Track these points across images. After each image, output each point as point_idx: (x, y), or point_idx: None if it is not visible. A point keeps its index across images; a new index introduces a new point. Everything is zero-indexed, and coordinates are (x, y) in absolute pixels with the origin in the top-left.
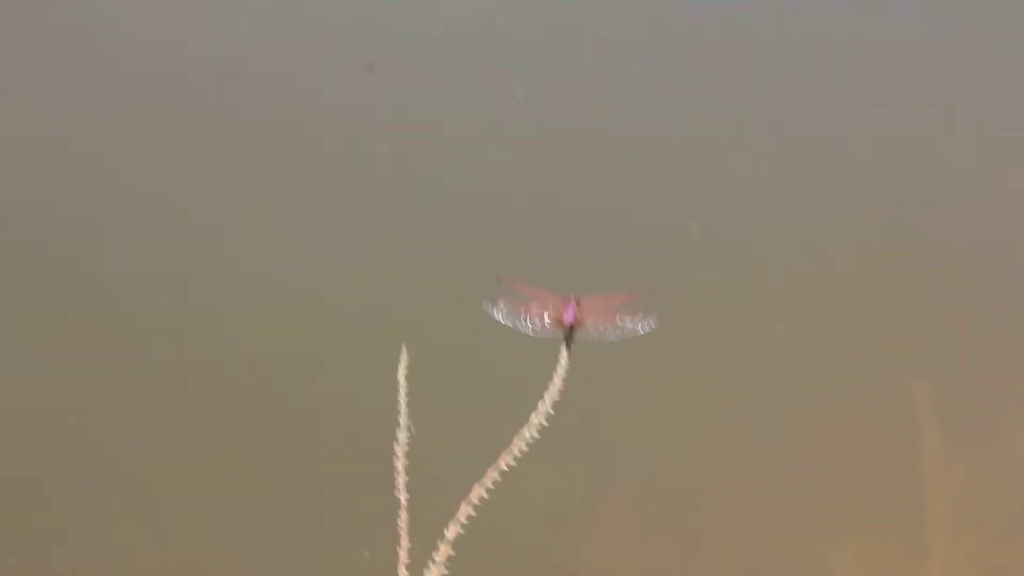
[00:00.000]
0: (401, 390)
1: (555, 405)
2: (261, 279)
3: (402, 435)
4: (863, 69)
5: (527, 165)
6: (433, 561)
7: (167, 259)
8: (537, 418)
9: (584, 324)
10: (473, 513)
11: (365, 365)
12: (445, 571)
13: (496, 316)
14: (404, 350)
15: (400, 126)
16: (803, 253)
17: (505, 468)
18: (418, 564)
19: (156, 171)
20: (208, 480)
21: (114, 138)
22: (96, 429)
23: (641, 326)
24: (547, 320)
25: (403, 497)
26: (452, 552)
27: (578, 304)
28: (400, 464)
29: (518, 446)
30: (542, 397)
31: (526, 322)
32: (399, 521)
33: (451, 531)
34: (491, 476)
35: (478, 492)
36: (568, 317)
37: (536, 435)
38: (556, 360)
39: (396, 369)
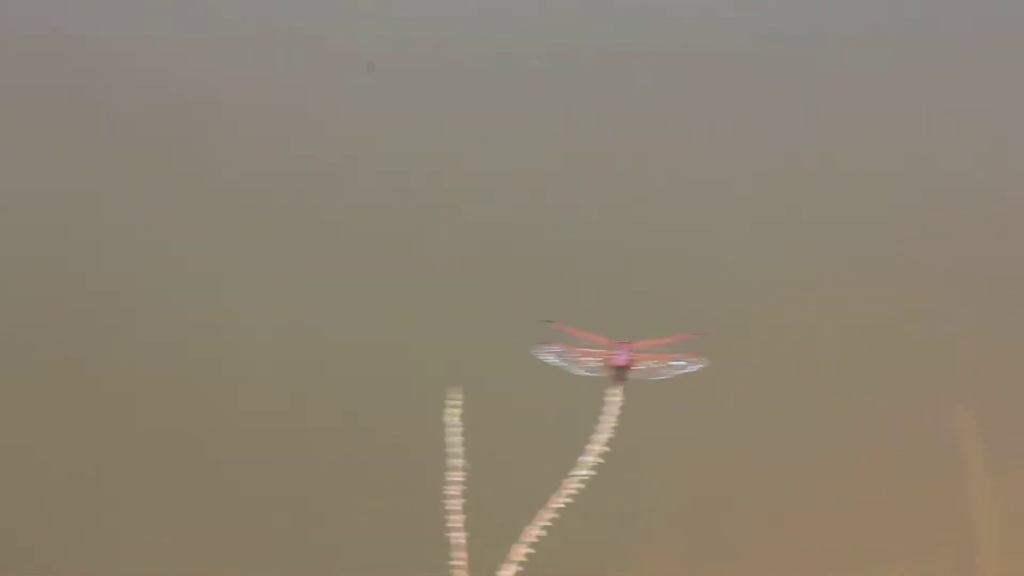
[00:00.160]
0: (453, 431)
1: (607, 444)
2: (305, 325)
3: (456, 476)
4: (905, 97)
5: (567, 201)
6: None
7: (186, 297)
8: (589, 458)
9: (635, 366)
10: (531, 551)
11: (414, 408)
12: None
13: (547, 359)
14: (454, 392)
15: (440, 160)
16: (845, 282)
17: (558, 508)
18: None
19: (166, 212)
20: (224, 534)
21: (111, 177)
22: (103, 487)
23: (691, 366)
24: (598, 362)
25: (460, 537)
26: None
27: (629, 346)
28: (455, 504)
29: (571, 486)
30: (593, 438)
31: (577, 365)
32: (454, 563)
33: (507, 572)
34: (545, 516)
35: (533, 533)
36: (619, 359)
37: (589, 475)
38: (607, 401)
39: (445, 411)
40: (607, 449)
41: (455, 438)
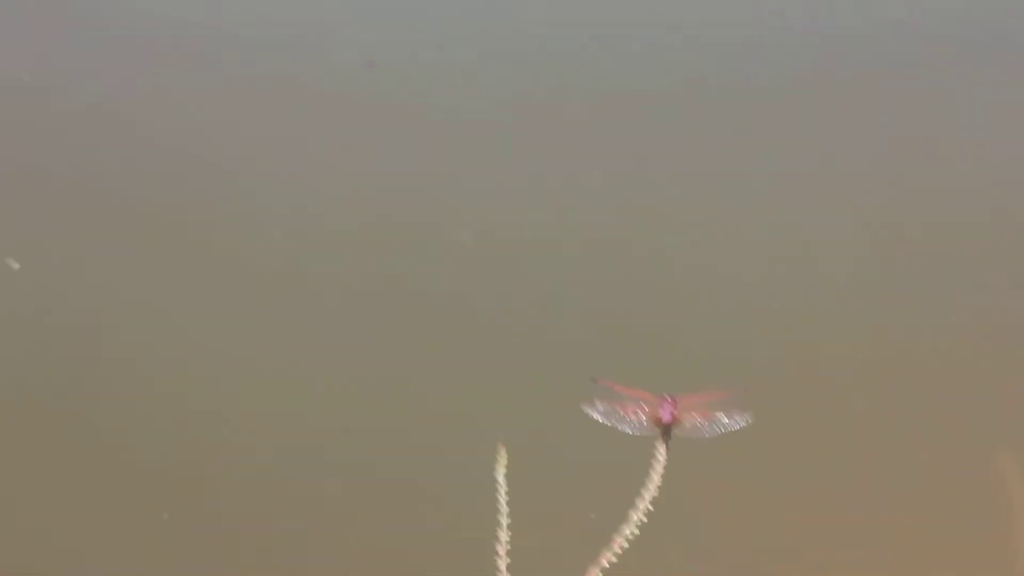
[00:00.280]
0: (500, 489)
1: (653, 501)
2: (342, 391)
3: (503, 535)
4: (936, 131)
5: (610, 258)
6: None
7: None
8: (636, 515)
9: (681, 421)
10: None
11: (461, 467)
12: None
13: (594, 416)
14: (502, 450)
15: (483, 214)
16: (885, 325)
17: (606, 565)
18: None
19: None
20: None
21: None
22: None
23: (737, 422)
24: (644, 419)
25: None
26: None
27: (674, 402)
28: (503, 564)
29: (618, 543)
30: (640, 494)
31: (624, 421)
32: None
33: None
34: (594, 572)
35: None
36: (665, 416)
37: (636, 531)
38: (653, 456)
39: (495, 470)
40: (651, 508)
41: (502, 496)
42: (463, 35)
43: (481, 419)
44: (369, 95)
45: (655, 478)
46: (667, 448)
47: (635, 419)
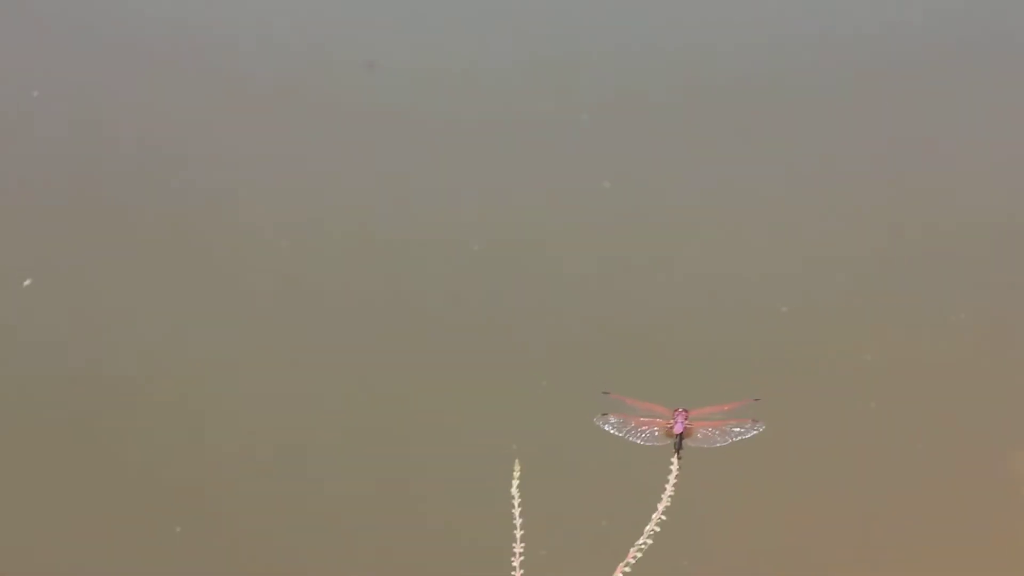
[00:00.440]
0: (514, 502)
1: (666, 512)
2: (366, 400)
3: (519, 547)
4: (952, 134)
5: (624, 270)
6: None
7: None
8: (651, 526)
9: (693, 433)
10: None
11: (472, 480)
12: None
13: (606, 429)
14: (516, 464)
15: (495, 228)
16: (895, 325)
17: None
18: None
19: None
20: None
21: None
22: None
23: (750, 432)
24: (656, 431)
25: None
26: None
27: (686, 413)
28: (518, 575)
29: (632, 555)
30: (655, 506)
31: (635, 433)
32: None
33: None
34: None
35: None
36: (678, 427)
37: (648, 542)
38: (668, 469)
39: (508, 484)
40: (664, 518)
41: (516, 510)
42: (463, 35)
43: (492, 430)
44: (369, 96)
45: (668, 489)
46: (679, 459)
47: (647, 431)
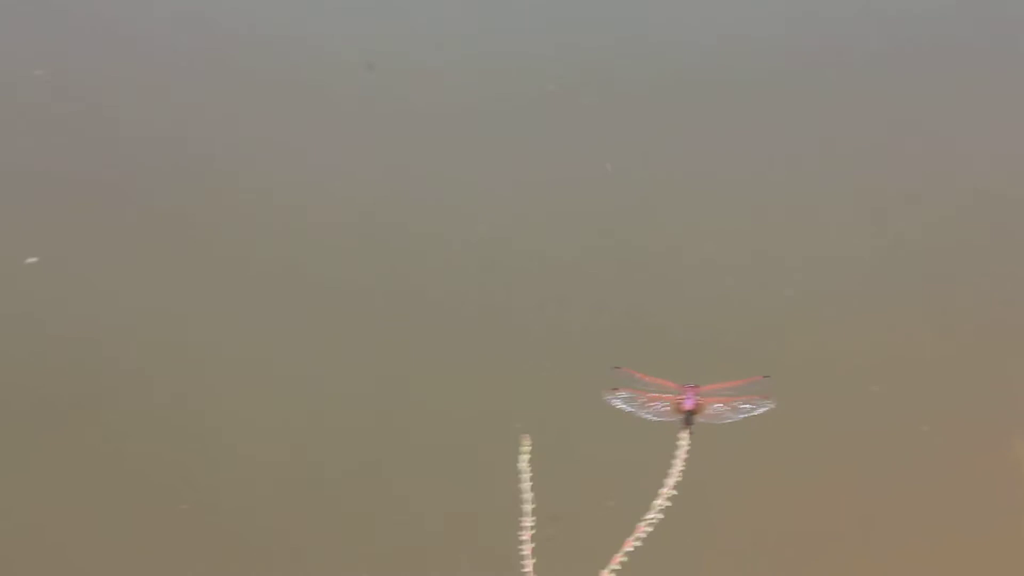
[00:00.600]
0: (524, 476)
1: (676, 486)
2: (376, 375)
3: (527, 521)
4: (939, 126)
5: (631, 244)
6: None
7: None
8: (660, 501)
9: (703, 409)
10: None
11: (484, 455)
12: None
13: (616, 404)
14: (525, 439)
15: (501, 208)
16: (900, 313)
17: (631, 549)
18: None
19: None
20: None
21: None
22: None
23: (758, 409)
24: (666, 406)
25: None
26: None
27: (696, 390)
28: (527, 549)
29: (642, 529)
30: (663, 481)
31: (645, 410)
32: None
33: None
34: (617, 560)
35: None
36: (688, 404)
37: (659, 517)
38: (676, 444)
39: (517, 458)
40: (676, 492)
41: (526, 483)
42: (463, 35)
43: (499, 408)
44: (370, 95)
45: (678, 466)
46: (690, 435)
47: (657, 407)
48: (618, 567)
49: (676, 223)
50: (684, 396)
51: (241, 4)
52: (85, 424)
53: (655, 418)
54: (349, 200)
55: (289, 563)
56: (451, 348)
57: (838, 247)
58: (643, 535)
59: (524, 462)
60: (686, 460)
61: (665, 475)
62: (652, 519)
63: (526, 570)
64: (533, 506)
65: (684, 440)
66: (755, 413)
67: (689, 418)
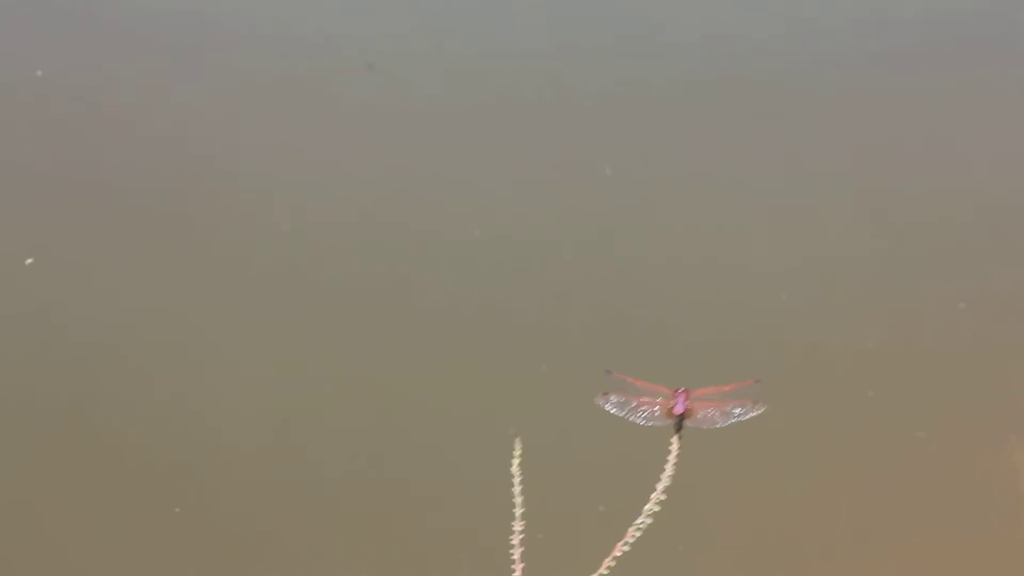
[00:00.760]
0: (515, 480)
1: (667, 491)
2: (364, 379)
3: (518, 525)
4: (936, 128)
5: (622, 249)
6: None
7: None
8: (650, 506)
9: (693, 414)
10: None
11: (475, 460)
12: None
13: (607, 408)
14: (517, 443)
15: (493, 210)
16: (892, 316)
17: (619, 554)
18: None
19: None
20: None
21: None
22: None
23: (750, 413)
24: (657, 410)
25: None
26: None
27: (687, 393)
28: (517, 553)
29: (631, 534)
30: (653, 485)
31: (636, 414)
32: None
33: None
34: (606, 564)
35: None
36: (678, 407)
37: (648, 522)
38: (668, 449)
39: (510, 463)
40: (666, 497)
41: (516, 488)
42: (464, 34)
43: (491, 412)
44: (370, 94)
45: (668, 470)
46: (680, 439)
47: (648, 410)
48: (607, 572)
49: (676, 223)
50: (675, 400)
51: (241, 4)
52: (85, 424)
53: (646, 422)
54: (349, 200)
55: (289, 563)
56: (451, 348)
57: (837, 247)
58: (632, 540)
59: (515, 465)
60: (676, 464)
61: (656, 479)
62: (642, 523)
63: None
64: (523, 510)
65: (675, 444)
66: (746, 417)
67: (680, 422)
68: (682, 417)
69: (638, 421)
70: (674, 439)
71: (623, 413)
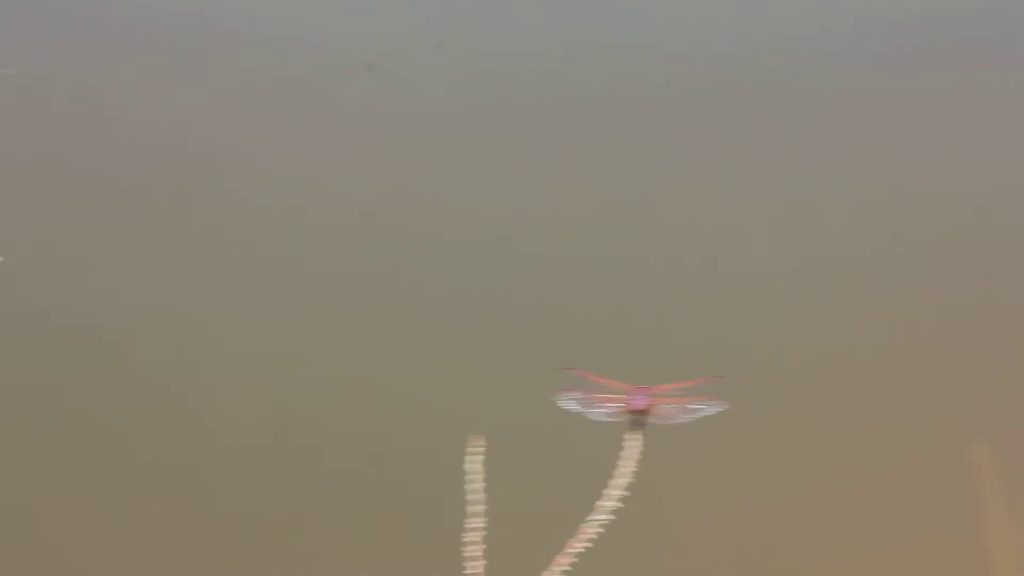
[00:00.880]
0: (474, 478)
1: (628, 488)
2: (321, 374)
3: (476, 522)
4: (924, 130)
5: (583, 245)
6: None
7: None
8: (608, 503)
9: (654, 411)
10: None
11: (435, 457)
12: None
13: (567, 405)
14: (474, 440)
15: (456, 206)
16: (859, 315)
17: (577, 553)
18: None
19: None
20: None
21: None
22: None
23: (710, 410)
24: (617, 408)
25: None
26: None
27: (647, 391)
28: (475, 551)
29: (590, 531)
30: (612, 482)
31: (596, 410)
32: None
33: None
34: (563, 561)
35: None
36: (638, 404)
37: (608, 519)
38: (626, 445)
39: (466, 459)
40: (626, 493)
41: (476, 485)
42: (464, 34)
43: (452, 409)
44: (370, 94)
45: (628, 466)
46: (640, 436)
47: (608, 408)
48: (567, 568)
49: (675, 223)
50: (635, 397)
51: (241, 4)
52: (85, 424)
53: (606, 420)
54: (349, 200)
55: (289, 563)
56: (451, 348)
57: (837, 247)
58: (589, 537)
59: (475, 463)
60: (640, 461)
61: (611, 476)
62: (599, 520)
63: (472, 572)
64: (485, 507)
65: (635, 441)
66: (706, 413)
67: (640, 419)
68: (642, 413)
69: (598, 418)
70: (634, 435)
71: (583, 410)
